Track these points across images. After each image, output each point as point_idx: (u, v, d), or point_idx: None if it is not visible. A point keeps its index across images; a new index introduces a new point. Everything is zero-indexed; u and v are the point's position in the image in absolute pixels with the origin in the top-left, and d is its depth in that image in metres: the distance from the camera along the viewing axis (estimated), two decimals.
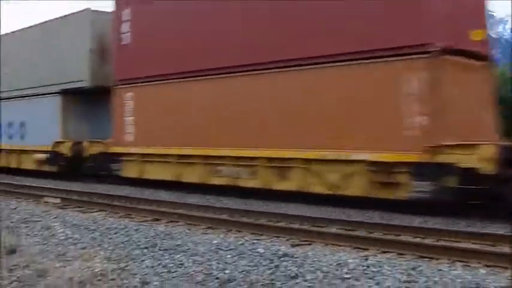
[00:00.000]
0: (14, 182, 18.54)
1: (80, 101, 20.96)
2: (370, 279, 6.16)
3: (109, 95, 18.94)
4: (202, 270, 6.80)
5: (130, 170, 18.00)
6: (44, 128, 21.45)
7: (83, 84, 19.96)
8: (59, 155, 20.49)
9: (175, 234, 8.66)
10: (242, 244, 7.80)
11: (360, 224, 10.04)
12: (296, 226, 10.03)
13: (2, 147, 24.31)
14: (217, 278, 6.51)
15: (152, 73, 17.26)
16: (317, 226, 10.00)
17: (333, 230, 9.64)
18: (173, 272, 6.86)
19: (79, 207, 13.03)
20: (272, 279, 6.35)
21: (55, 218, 10.77)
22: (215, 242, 7.95)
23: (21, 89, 23.26)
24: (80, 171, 20.19)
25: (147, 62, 17.48)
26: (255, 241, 8.17)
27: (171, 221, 10.90)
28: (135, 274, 6.90)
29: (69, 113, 21.04)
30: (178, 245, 7.95)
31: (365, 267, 6.50)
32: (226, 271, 6.68)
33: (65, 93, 21.01)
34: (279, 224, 10.25)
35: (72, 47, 20.48)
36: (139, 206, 12.85)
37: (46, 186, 17.25)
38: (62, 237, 9.22)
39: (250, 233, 9.50)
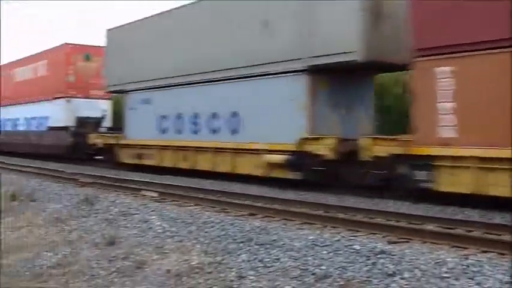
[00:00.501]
0: (113, 176, 19.02)
1: (332, 82, 15.24)
2: (470, 279, 5.95)
3: (371, 75, 15.72)
4: (298, 265, 6.75)
5: (453, 182, 11.50)
6: (275, 119, 15.84)
7: (349, 58, 13.87)
8: (309, 156, 14.78)
9: (271, 229, 8.64)
10: (338, 240, 7.69)
11: (458, 222, 9.72)
12: (393, 223, 9.81)
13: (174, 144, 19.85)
14: (313, 274, 6.45)
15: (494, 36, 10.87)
16: (414, 223, 9.75)
17: (431, 227, 9.36)
18: (269, 267, 6.84)
19: (176, 200, 13.22)
20: (369, 277, 6.24)
21: (152, 211, 10.97)
22: (311, 237, 7.87)
23: (220, 70, 17.84)
24: (349, 180, 14.35)
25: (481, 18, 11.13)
26: (351, 237, 8.04)
27: (267, 216, 10.89)
28: (232, 268, 6.93)
29: (319, 99, 15.22)
30: (274, 240, 7.93)
31: (465, 267, 6.27)
32: (322, 267, 6.61)
33: (313, 71, 15.02)
34: (376, 221, 10.06)
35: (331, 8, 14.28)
36: (235, 200, 12.92)
37: (143, 180, 17.63)
38: (159, 230, 9.39)
39: (346, 229, 9.35)
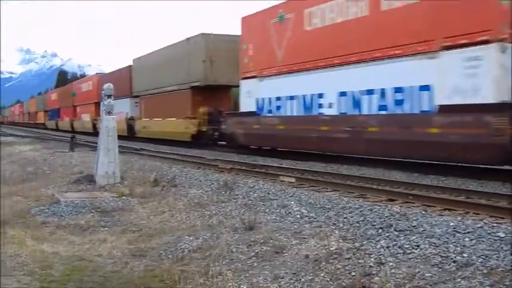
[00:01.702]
0: (251, 162, 19.37)
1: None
2: None
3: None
4: (438, 252, 6.59)
5: None
6: None
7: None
8: None
9: (410, 215, 8.48)
10: (481, 227, 7.41)
11: None
12: None
13: None
14: (454, 262, 6.27)
15: None
16: None
17: None
18: (409, 254, 6.72)
19: (313, 186, 13.27)
20: None
21: (291, 196, 11.07)
22: (452, 224, 7.64)
23: None
24: None
25: None
26: (494, 224, 7.72)
27: (406, 202, 10.71)
28: (370, 254, 6.88)
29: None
30: (414, 226, 7.77)
31: None
32: (464, 255, 6.41)
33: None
34: None
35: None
36: (373, 186, 12.80)
37: (282, 166, 17.85)
38: (298, 216, 9.47)
39: (489, 215, 9.02)
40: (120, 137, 16.61)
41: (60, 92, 74.49)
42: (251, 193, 11.78)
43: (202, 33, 29.39)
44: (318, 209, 9.74)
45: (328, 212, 9.48)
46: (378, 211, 9.01)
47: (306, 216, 9.37)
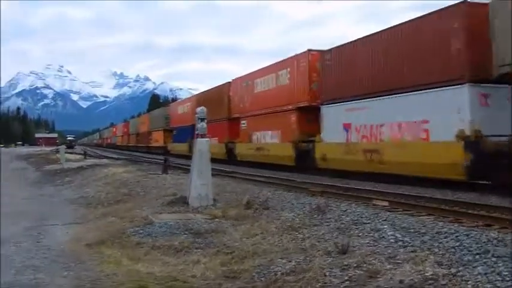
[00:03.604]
0: (343, 185, 19.27)
1: None
2: None
3: None
4: None
5: None
6: None
7: None
8: None
9: (508, 241, 8.21)
10: None
11: None
12: None
13: None
14: None
15: None
16: None
17: None
18: (508, 281, 6.52)
19: (407, 210, 13.07)
20: None
21: (384, 220, 10.93)
22: None
23: None
24: None
25: None
26: None
27: (504, 227, 10.38)
28: (467, 281, 6.70)
29: None
30: None
31: None
32: None
33: None
34: None
35: None
36: (468, 210, 12.49)
37: (374, 189, 17.67)
38: (392, 240, 9.33)
39: None
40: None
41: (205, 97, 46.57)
42: (344, 216, 11.70)
43: None
44: (412, 234, 9.58)
45: (422, 236, 9.31)
46: (474, 236, 8.78)
47: (400, 240, 9.23)
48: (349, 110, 24.21)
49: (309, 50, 28.48)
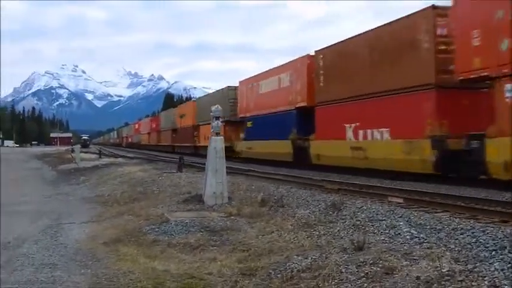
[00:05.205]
0: (359, 182, 19.25)
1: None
2: None
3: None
4: None
5: None
6: None
7: None
8: None
9: None
10: None
11: None
12: None
13: None
14: None
15: None
16: None
17: None
18: None
19: (422, 207, 13.04)
20: None
21: (399, 217, 10.91)
22: None
23: None
24: None
25: None
26: None
27: None
28: (484, 277, 6.68)
29: None
30: None
31: None
32: None
33: None
34: None
35: None
36: (484, 207, 12.45)
37: (389, 187, 17.64)
38: (408, 236, 9.33)
39: None
40: None
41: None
42: (359, 213, 11.69)
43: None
44: (428, 230, 9.56)
45: (438, 233, 9.29)
46: (490, 233, 8.75)
47: (416, 237, 9.22)
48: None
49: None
